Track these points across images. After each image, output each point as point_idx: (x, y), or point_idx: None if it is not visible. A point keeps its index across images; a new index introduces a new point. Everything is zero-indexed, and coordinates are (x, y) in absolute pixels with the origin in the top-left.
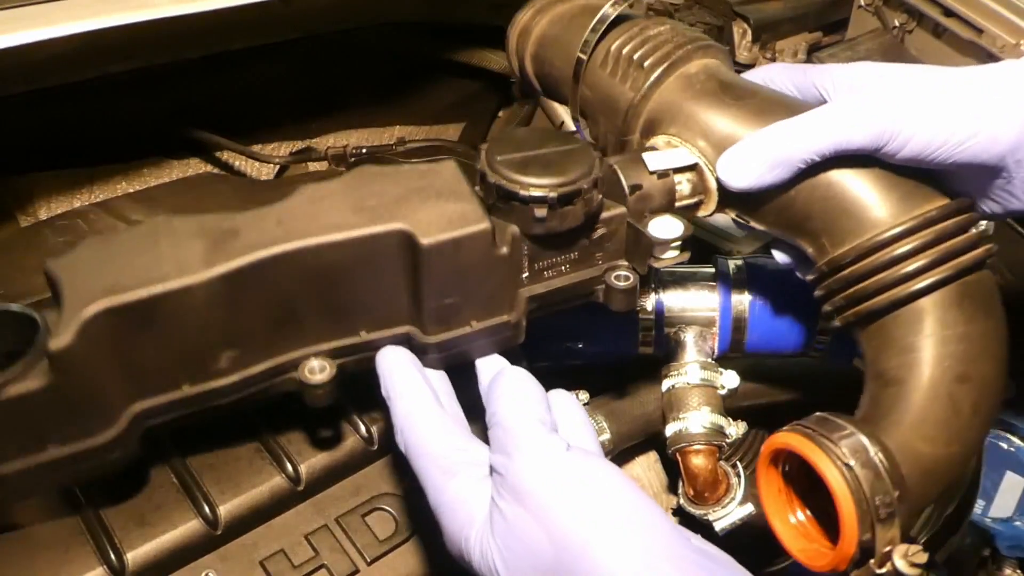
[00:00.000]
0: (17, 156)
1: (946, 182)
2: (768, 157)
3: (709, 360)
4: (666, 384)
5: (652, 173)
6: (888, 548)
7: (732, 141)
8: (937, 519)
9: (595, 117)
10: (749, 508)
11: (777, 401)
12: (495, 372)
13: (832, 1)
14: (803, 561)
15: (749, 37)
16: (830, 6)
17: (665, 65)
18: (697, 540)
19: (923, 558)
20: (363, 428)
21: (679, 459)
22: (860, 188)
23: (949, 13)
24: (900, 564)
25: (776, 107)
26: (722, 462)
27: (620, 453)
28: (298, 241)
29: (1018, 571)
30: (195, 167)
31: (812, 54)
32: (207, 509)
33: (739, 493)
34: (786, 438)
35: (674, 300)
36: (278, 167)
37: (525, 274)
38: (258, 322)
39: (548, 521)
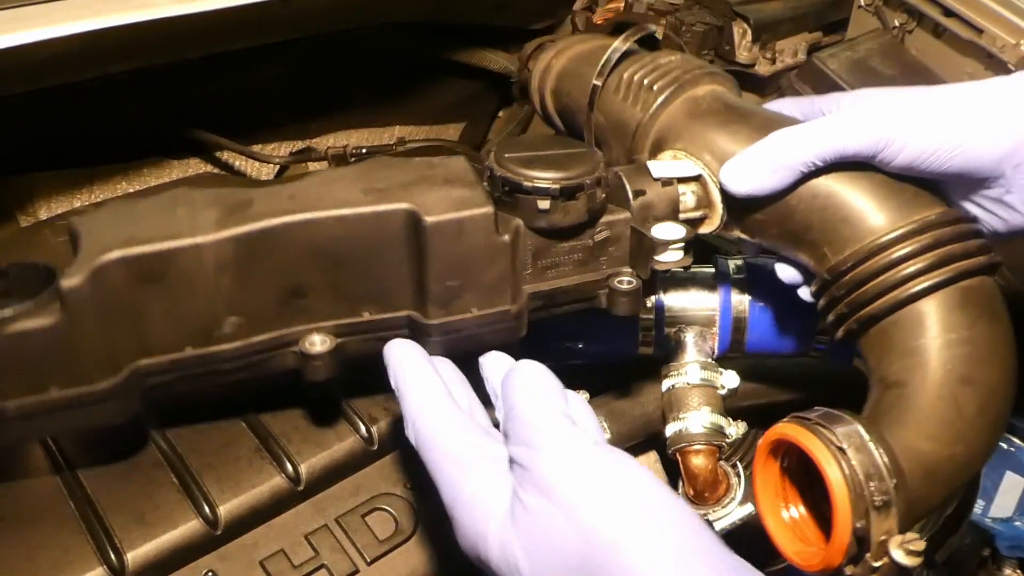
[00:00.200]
0: (17, 156)
1: (947, 196)
2: (770, 161)
3: (709, 360)
4: (666, 384)
5: (656, 180)
6: (884, 538)
7: (736, 154)
8: (937, 519)
9: (608, 142)
10: (749, 508)
11: (777, 401)
12: (504, 367)
13: (832, 1)
14: (797, 563)
15: (749, 37)
16: (830, 6)
17: (674, 87)
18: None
19: (920, 546)
20: (363, 428)
21: (679, 459)
22: (859, 196)
23: (949, 13)
24: (897, 554)
25: (779, 124)
26: (722, 462)
27: None
28: (307, 213)
29: (1018, 571)
30: (195, 167)
31: (812, 54)
32: (207, 509)
33: (739, 493)
34: (783, 428)
35: (674, 300)
36: (278, 167)
37: (528, 270)
38: (264, 291)
39: (577, 516)
